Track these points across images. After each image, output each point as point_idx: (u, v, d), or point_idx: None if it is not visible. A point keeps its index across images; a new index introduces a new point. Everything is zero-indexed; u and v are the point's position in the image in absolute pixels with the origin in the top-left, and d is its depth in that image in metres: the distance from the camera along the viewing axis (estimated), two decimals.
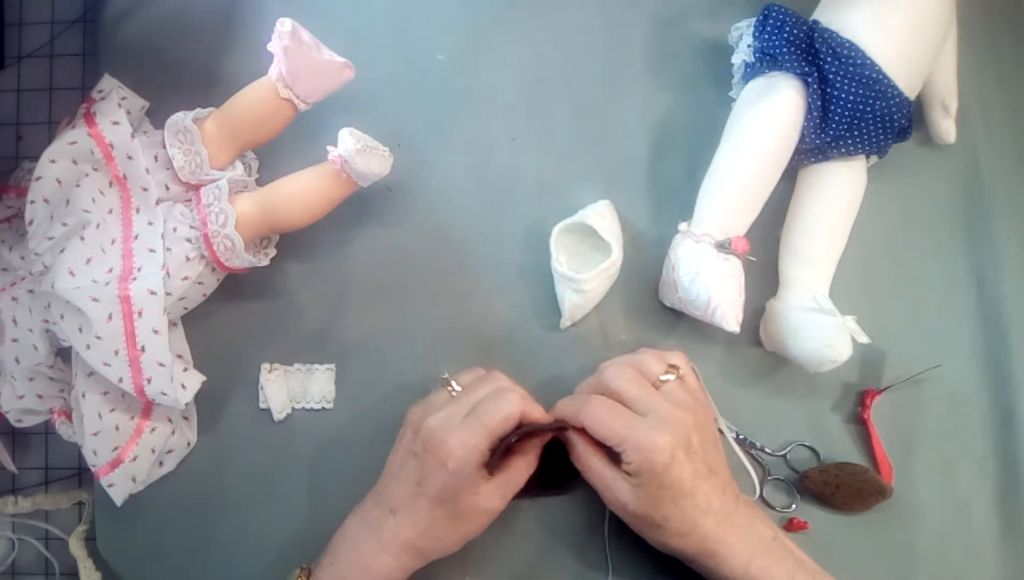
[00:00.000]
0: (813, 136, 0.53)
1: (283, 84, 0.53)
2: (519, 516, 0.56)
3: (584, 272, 0.55)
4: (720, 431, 0.56)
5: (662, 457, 0.45)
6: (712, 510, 0.46)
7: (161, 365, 0.51)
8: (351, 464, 0.57)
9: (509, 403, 0.48)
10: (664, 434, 0.46)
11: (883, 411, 0.56)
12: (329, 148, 0.53)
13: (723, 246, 0.53)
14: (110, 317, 0.50)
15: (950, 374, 0.57)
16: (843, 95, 0.52)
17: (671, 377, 0.50)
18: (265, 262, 0.56)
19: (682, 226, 0.55)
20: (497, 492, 0.48)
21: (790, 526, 0.55)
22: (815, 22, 0.54)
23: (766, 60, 0.54)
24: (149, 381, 0.51)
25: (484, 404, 0.48)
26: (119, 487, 0.54)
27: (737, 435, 0.56)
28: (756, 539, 0.47)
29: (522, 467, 0.50)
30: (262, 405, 0.58)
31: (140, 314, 0.50)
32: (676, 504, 0.46)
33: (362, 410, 0.58)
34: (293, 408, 0.58)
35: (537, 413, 0.50)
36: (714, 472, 0.48)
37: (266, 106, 0.54)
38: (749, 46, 0.56)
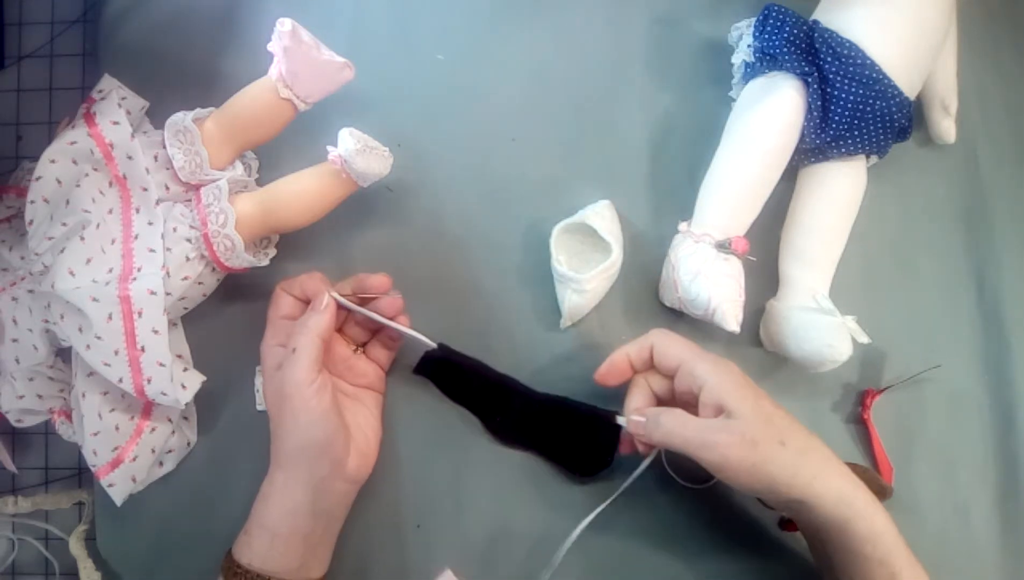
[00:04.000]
0: (813, 136, 0.53)
1: (283, 84, 0.53)
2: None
3: (584, 272, 0.55)
4: None
5: (748, 390, 0.46)
6: (799, 436, 0.46)
7: (161, 365, 0.51)
8: None
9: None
10: (732, 365, 0.48)
11: (883, 411, 0.56)
12: (329, 148, 0.53)
13: (723, 246, 0.53)
14: (110, 317, 0.50)
15: (950, 374, 0.57)
16: (843, 95, 0.52)
17: None
18: (265, 262, 0.56)
19: (682, 226, 0.55)
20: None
21: (790, 526, 0.55)
22: (815, 22, 0.54)
23: (766, 60, 0.54)
24: (149, 381, 0.51)
25: None
26: (119, 487, 0.54)
27: None
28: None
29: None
30: (259, 407, 0.58)
31: (140, 314, 0.50)
32: (787, 417, 0.46)
33: None
34: None
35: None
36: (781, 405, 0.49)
37: (266, 106, 0.54)
38: (749, 46, 0.56)
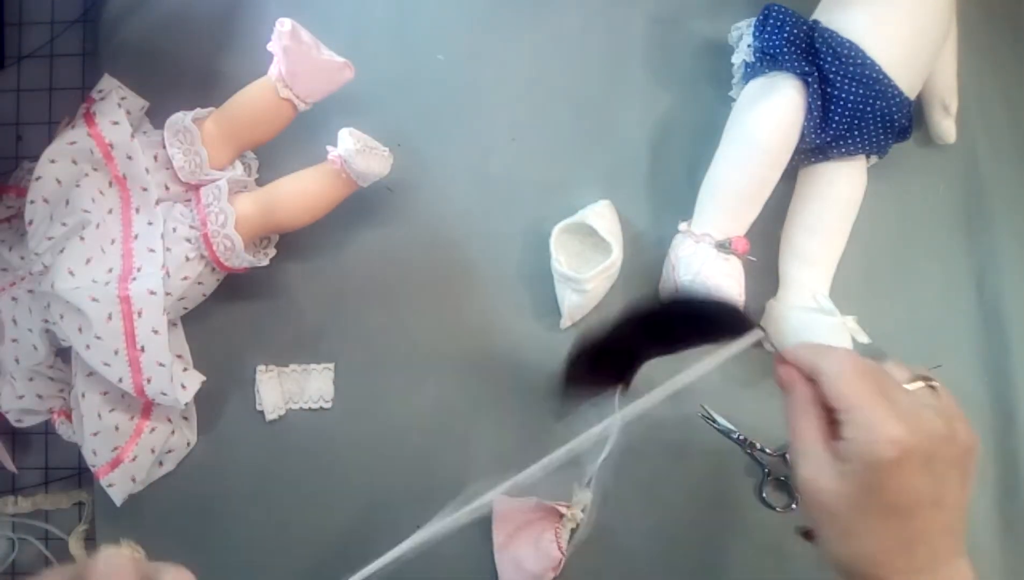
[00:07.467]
0: (813, 136, 0.53)
1: (283, 84, 0.53)
2: None
3: (584, 272, 0.55)
4: (720, 430, 0.56)
5: (890, 451, 0.34)
6: (919, 551, 0.36)
7: (161, 365, 0.51)
8: (349, 463, 0.57)
9: None
10: (903, 426, 0.35)
11: None
12: (329, 148, 0.53)
13: (723, 246, 0.53)
14: (110, 317, 0.50)
15: (950, 374, 0.57)
16: (843, 95, 0.52)
17: (920, 384, 0.39)
18: (265, 262, 0.56)
19: (682, 226, 0.55)
20: None
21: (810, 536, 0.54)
22: (815, 22, 0.54)
23: (766, 60, 0.54)
24: (149, 381, 0.51)
25: None
26: (119, 487, 0.54)
27: (738, 435, 0.56)
28: None
29: None
30: (258, 407, 0.58)
31: (140, 314, 0.50)
32: (884, 520, 0.36)
33: (360, 410, 0.58)
34: (289, 408, 0.58)
35: None
36: (943, 507, 0.36)
37: (266, 106, 0.54)
38: (749, 46, 0.56)
